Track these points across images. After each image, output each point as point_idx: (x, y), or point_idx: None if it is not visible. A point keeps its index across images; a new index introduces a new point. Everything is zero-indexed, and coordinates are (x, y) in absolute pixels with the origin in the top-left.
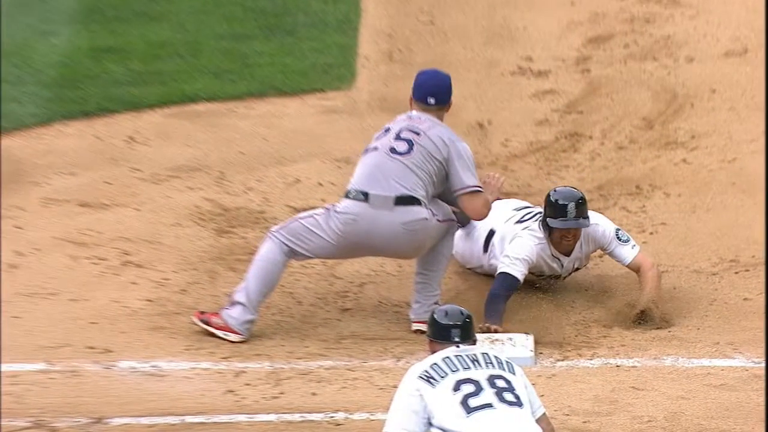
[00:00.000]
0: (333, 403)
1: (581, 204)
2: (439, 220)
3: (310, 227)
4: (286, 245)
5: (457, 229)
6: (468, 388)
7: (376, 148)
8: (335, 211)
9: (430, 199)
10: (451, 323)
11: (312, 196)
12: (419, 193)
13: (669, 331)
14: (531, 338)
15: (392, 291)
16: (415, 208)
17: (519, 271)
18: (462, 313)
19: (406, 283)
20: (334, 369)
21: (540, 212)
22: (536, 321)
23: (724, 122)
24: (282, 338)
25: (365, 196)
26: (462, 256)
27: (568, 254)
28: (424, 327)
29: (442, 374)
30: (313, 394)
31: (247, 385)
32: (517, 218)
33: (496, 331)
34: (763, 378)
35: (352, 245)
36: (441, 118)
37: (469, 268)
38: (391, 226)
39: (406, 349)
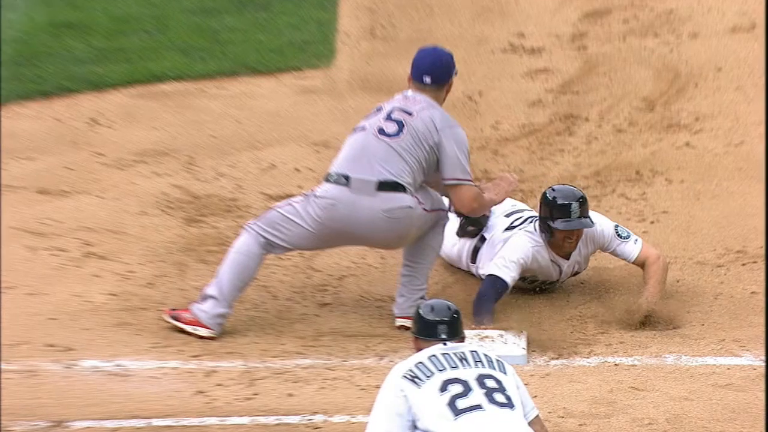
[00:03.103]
0: (311, 404)
1: (583, 202)
2: (426, 210)
3: (288, 215)
4: (263, 236)
5: (448, 219)
6: (456, 389)
7: (364, 128)
8: (314, 196)
9: (418, 187)
10: (437, 319)
11: (288, 183)
12: (404, 180)
13: (671, 328)
14: (523, 335)
15: (374, 284)
16: (399, 195)
17: (509, 275)
18: (449, 309)
19: (389, 276)
20: (312, 368)
21: (532, 216)
22: (529, 317)
23: (731, 103)
24: (256, 335)
25: (346, 180)
26: (449, 257)
27: (567, 257)
28: (408, 323)
29: (428, 374)
30: (290, 395)
31: (219, 385)
32: (507, 225)
33: (486, 328)
34: None
35: (332, 233)
36: (439, 100)
37: (451, 265)
38: (372, 212)
39: (390, 347)
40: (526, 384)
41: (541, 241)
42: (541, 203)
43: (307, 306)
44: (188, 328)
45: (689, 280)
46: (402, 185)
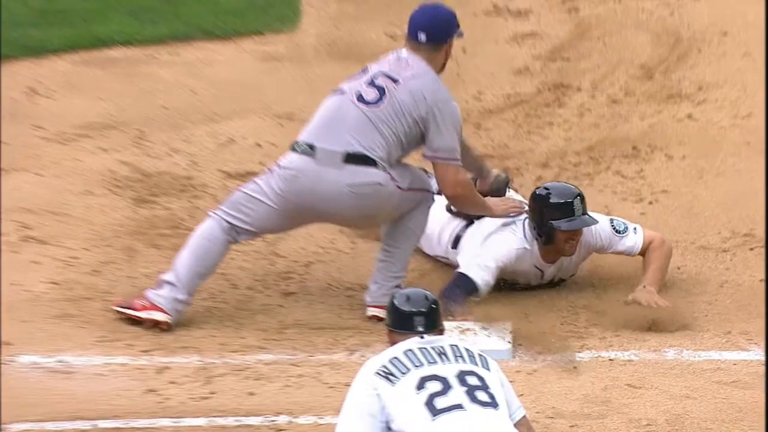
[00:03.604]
0: (274, 404)
1: (583, 199)
2: (400, 188)
3: (251, 193)
4: (226, 220)
5: (433, 201)
6: (434, 387)
7: (342, 91)
8: (278, 167)
9: (394, 162)
10: (414, 310)
11: (248, 159)
12: (376, 153)
13: (671, 320)
14: (509, 327)
15: (344, 271)
16: (369, 170)
17: (483, 279)
18: (427, 298)
19: (361, 262)
20: (275, 364)
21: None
22: (514, 307)
23: (738, 71)
24: (214, 328)
25: (311, 150)
26: (428, 239)
27: (552, 262)
28: (381, 313)
29: (404, 370)
30: (251, 393)
31: (172, 383)
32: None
33: (466, 319)
34: None
35: (297, 209)
36: (436, 63)
37: (429, 255)
38: (337, 187)
39: (361, 341)
40: (511, 381)
41: (527, 244)
42: (535, 206)
43: (270, 296)
44: (142, 314)
45: (691, 267)
46: (372, 159)
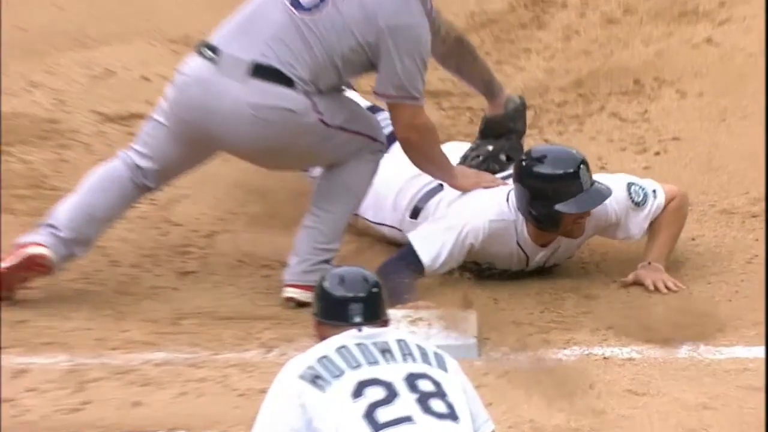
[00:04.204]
0: (166, 417)
1: (587, 163)
2: (326, 124)
3: (154, 116)
4: (129, 156)
5: (382, 154)
6: (376, 393)
7: None
8: (176, 72)
9: (324, 90)
10: (349, 295)
11: (132, 97)
12: (295, 72)
13: (685, 306)
14: (473, 317)
15: (259, 244)
16: (281, 90)
17: (430, 256)
18: (366, 280)
19: (281, 230)
20: (168, 365)
21: (509, 174)
22: (481, 290)
23: None
24: (88, 318)
25: (215, 54)
26: (378, 202)
27: (545, 245)
28: (302, 295)
29: (336, 372)
30: (136, 404)
31: (32, 390)
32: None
33: (417, 307)
34: None
35: (190, 132)
36: None
37: (375, 223)
38: (235, 105)
39: (281, 334)
40: (477, 386)
41: (509, 214)
42: (526, 183)
43: (161, 275)
44: (14, 261)
45: (710, 237)
46: (288, 78)
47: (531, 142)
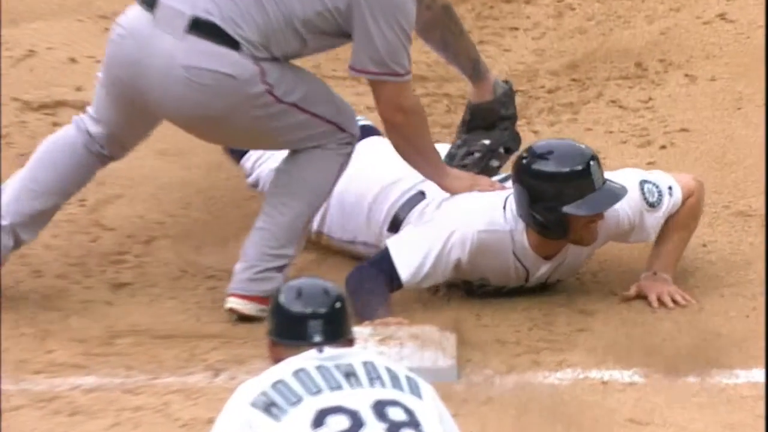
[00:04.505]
0: None
1: (597, 159)
2: (276, 98)
3: (99, 72)
4: (82, 120)
5: (351, 150)
6: (339, 423)
7: None
8: (114, 24)
9: (279, 58)
10: (308, 311)
11: (58, 81)
12: (242, 33)
13: (695, 323)
14: (452, 335)
15: (205, 251)
16: (222, 51)
17: (408, 271)
18: (327, 293)
19: (230, 236)
20: (99, 391)
21: (507, 176)
22: (461, 305)
23: None
24: (6, 336)
25: (154, 5)
26: (350, 212)
27: (550, 257)
28: (245, 307)
29: (293, 399)
30: None
31: None
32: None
33: (387, 323)
34: None
35: (124, 93)
36: None
37: (345, 241)
38: (168, 63)
39: (230, 355)
40: (456, 415)
41: (506, 223)
42: (528, 184)
43: (91, 288)
44: None
45: (724, 243)
46: (232, 38)
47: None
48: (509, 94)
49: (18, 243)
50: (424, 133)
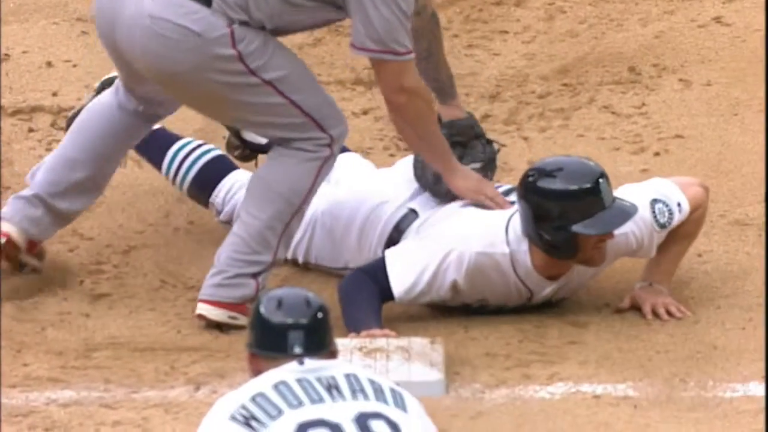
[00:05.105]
0: None
1: (608, 178)
2: (248, 67)
3: None
4: (113, 75)
5: (329, 155)
6: None
7: None
8: None
9: (263, 27)
10: (288, 322)
11: (33, 86)
12: None
13: (691, 335)
14: (440, 348)
15: (185, 261)
16: (191, 6)
17: (409, 291)
18: (308, 304)
19: (211, 246)
20: (77, 406)
21: (512, 188)
22: (449, 316)
23: None
24: None
25: None
26: (332, 246)
27: (555, 278)
28: (212, 312)
29: (274, 413)
30: None
31: None
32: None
33: (373, 335)
34: None
35: (107, 44)
36: None
37: (338, 269)
38: (137, 12)
39: (212, 369)
40: (444, 430)
41: (507, 246)
42: (534, 201)
43: (68, 299)
44: None
45: (720, 253)
46: None
47: (508, 140)
48: (472, 114)
49: (59, 214)
50: (427, 118)
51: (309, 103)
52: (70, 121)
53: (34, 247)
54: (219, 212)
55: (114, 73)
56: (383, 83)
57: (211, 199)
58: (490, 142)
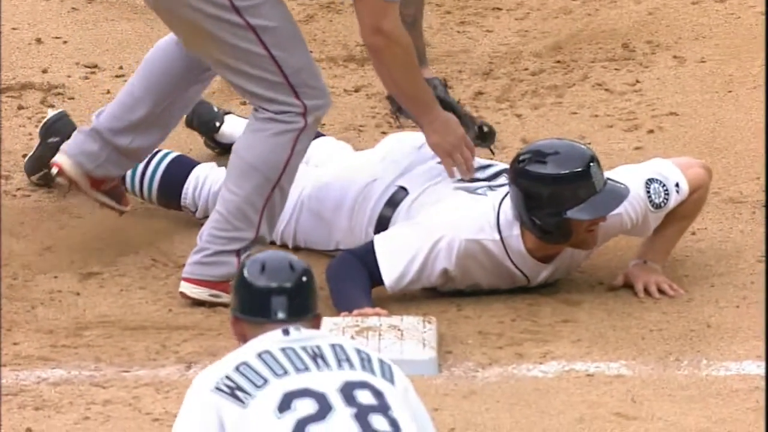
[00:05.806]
0: None
1: (598, 163)
2: (234, 5)
3: None
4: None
5: (301, 125)
6: (305, 407)
7: None
8: None
9: None
10: (272, 285)
11: (23, 64)
12: None
13: (684, 313)
14: (433, 327)
15: (176, 239)
16: None
17: (399, 280)
18: (292, 268)
19: (199, 224)
20: (67, 384)
21: (503, 169)
22: (440, 294)
23: None
24: None
25: None
26: (321, 230)
27: (548, 260)
28: (193, 290)
29: (259, 382)
30: (28, 431)
31: None
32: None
33: (364, 314)
34: None
35: None
36: None
37: (331, 251)
38: None
39: (202, 347)
40: (437, 409)
41: (495, 236)
42: (524, 186)
43: (58, 278)
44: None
45: (714, 231)
46: None
47: (500, 117)
48: (438, 78)
49: (120, 150)
50: (406, 65)
51: (289, 63)
52: (26, 164)
53: (99, 183)
54: (194, 212)
55: (56, 111)
56: (362, 21)
57: (181, 203)
58: (448, 104)
